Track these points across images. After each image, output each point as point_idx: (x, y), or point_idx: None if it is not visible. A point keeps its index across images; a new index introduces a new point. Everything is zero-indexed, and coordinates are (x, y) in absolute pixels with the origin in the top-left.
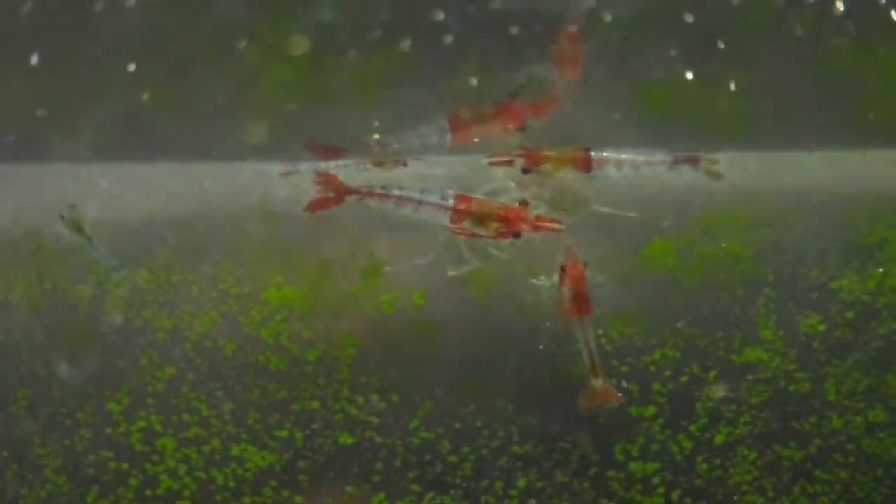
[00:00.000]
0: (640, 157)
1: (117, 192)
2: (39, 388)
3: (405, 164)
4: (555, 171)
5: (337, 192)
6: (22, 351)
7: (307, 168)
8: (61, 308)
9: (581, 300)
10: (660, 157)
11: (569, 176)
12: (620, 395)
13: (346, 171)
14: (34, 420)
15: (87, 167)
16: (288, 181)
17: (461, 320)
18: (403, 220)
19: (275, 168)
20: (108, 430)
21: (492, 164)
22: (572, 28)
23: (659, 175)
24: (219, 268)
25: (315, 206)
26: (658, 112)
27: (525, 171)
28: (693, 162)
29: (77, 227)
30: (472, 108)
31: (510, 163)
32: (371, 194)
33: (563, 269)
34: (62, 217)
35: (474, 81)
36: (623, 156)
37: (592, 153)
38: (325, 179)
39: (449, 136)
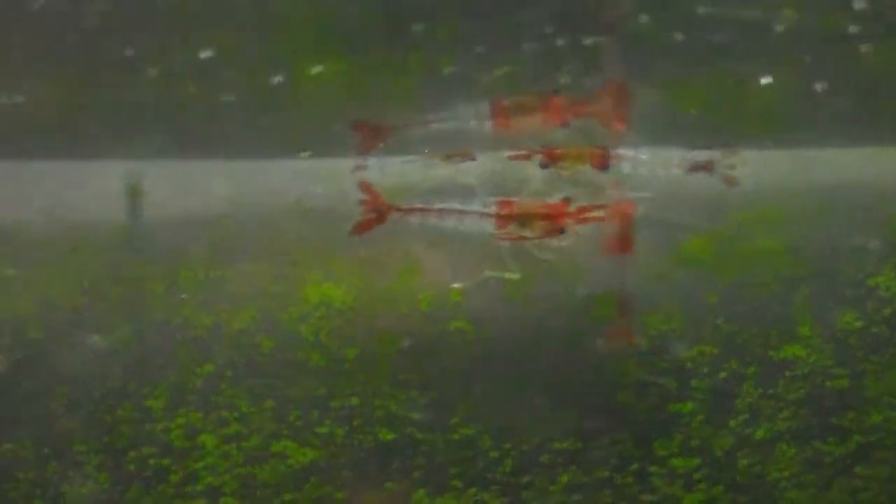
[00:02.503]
0: (658, 157)
1: (157, 190)
2: (79, 386)
3: (473, 159)
4: (572, 167)
5: (380, 212)
6: (62, 349)
7: (376, 163)
8: (99, 306)
9: (624, 238)
10: (677, 158)
11: (586, 172)
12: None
13: (414, 166)
14: (75, 417)
15: (127, 164)
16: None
17: (501, 316)
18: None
19: (344, 163)
20: (149, 427)
21: (510, 158)
22: (619, 85)
23: (674, 175)
24: (258, 265)
25: (361, 228)
26: (691, 110)
27: (543, 166)
28: (708, 168)
29: (134, 194)
30: (515, 99)
31: (528, 157)
32: (413, 210)
33: (602, 207)
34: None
35: (517, 73)
36: (641, 155)
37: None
38: (370, 200)
39: (489, 123)
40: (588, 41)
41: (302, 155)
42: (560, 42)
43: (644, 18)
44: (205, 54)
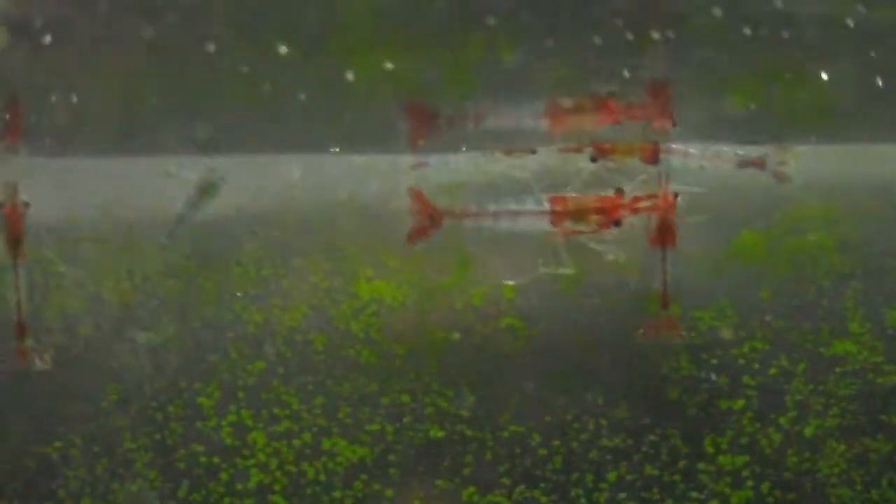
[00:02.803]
0: (708, 152)
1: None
2: (130, 383)
3: (534, 152)
4: (622, 160)
5: (433, 217)
6: (112, 345)
7: (437, 161)
8: (151, 303)
9: (666, 231)
10: (728, 153)
11: (635, 165)
12: (683, 333)
13: (475, 161)
14: (125, 414)
15: (176, 161)
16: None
17: (551, 313)
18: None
19: (404, 160)
20: (199, 425)
21: (561, 150)
22: (662, 83)
23: (724, 170)
24: (309, 261)
25: (416, 235)
26: (747, 105)
27: (593, 159)
28: (759, 164)
29: (207, 191)
30: (571, 99)
31: (579, 150)
32: (466, 214)
33: (653, 197)
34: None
35: (574, 74)
36: (691, 150)
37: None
38: (421, 208)
39: (545, 122)
40: (644, 37)
41: (332, 150)
42: (616, 39)
43: (703, 13)
44: (250, 47)
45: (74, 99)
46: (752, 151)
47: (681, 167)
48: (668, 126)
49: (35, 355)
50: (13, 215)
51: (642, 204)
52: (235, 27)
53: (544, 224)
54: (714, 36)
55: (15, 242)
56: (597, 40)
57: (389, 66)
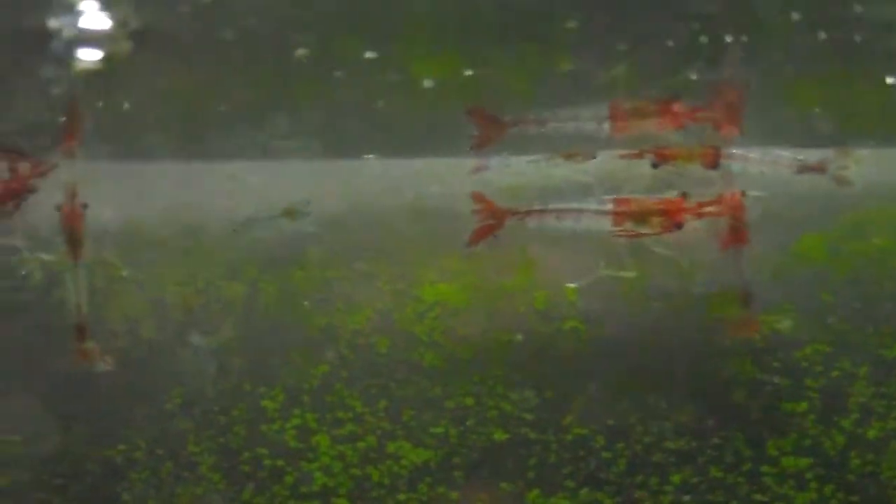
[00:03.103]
0: (768, 157)
1: (269, 190)
2: (193, 386)
3: (594, 157)
4: (683, 166)
5: (495, 217)
6: (175, 349)
7: (498, 163)
8: (214, 306)
9: (738, 230)
10: (788, 158)
11: (695, 170)
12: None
13: (537, 165)
14: (189, 417)
15: (239, 165)
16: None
17: (614, 316)
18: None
19: (466, 163)
20: (263, 428)
21: (622, 157)
22: (736, 88)
23: (785, 175)
24: (373, 265)
25: (478, 236)
26: (805, 108)
27: (654, 165)
28: (820, 169)
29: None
30: (634, 101)
31: (640, 156)
32: (530, 213)
33: (718, 202)
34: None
35: (637, 72)
36: (751, 154)
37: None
38: (483, 209)
39: (607, 125)
40: (711, 40)
41: (365, 157)
42: (681, 41)
43: (780, 17)
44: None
45: (138, 103)
46: (813, 155)
47: (741, 172)
48: (735, 132)
49: (97, 357)
50: (72, 217)
51: (707, 208)
52: (305, 33)
53: (606, 224)
54: (785, 40)
55: (74, 244)
56: (669, 43)
57: (455, 72)
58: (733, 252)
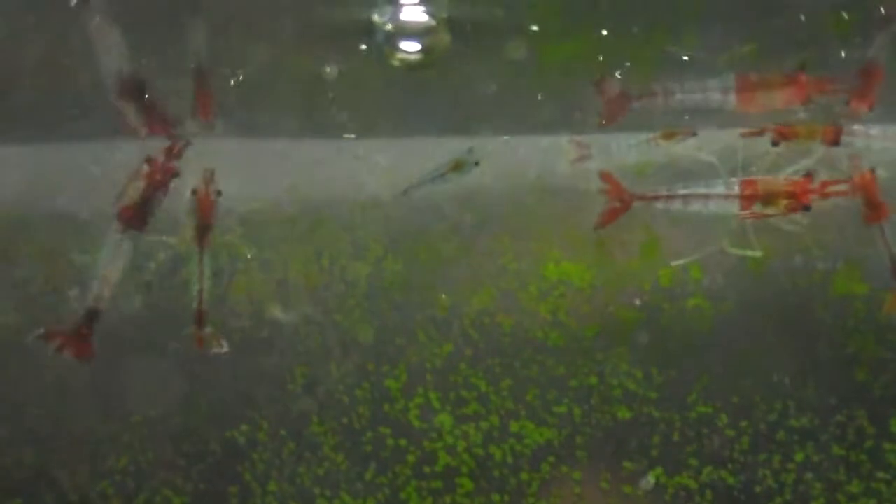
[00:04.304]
0: (890, 132)
1: (396, 168)
2: (317, 366)
3: (694, 134)
4: (804, 143)
5: (623, 200)
6: (299, 328)
7: (597, 150)
8: (338, 285)
9: (876, 205)
10: None
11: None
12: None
13: (639, 147)
14: (312, 398)
15: (365, 143)
16: (571, 155)
17: (738, 293)
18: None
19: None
20: (386, 407)
21: (742, 135)
22: (878, 67)
23: None
24: (498, 243)
25: (605, 219)
26: None
27: (774, 143)
28: None
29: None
30: (760, 73)
31: (760, 134)
32: (657, 197)
33: (844, 181)
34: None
35: (764, 47)
36: (872, 131)
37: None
38: (611, 189)
39: (733, 97)
40: (857, 14)
41: (346, 136)
42: (811, 17)
43: None
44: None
45: (263, 80)
46: None
47: (863, 148)
48: (864, 109)
49: (214, 343)
50: (205, 203)
51: (835, 188)
52: None
53: (734, 208)
54: None
55: (204, 230)
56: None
57: (576, 47)
58: (875, 227)
